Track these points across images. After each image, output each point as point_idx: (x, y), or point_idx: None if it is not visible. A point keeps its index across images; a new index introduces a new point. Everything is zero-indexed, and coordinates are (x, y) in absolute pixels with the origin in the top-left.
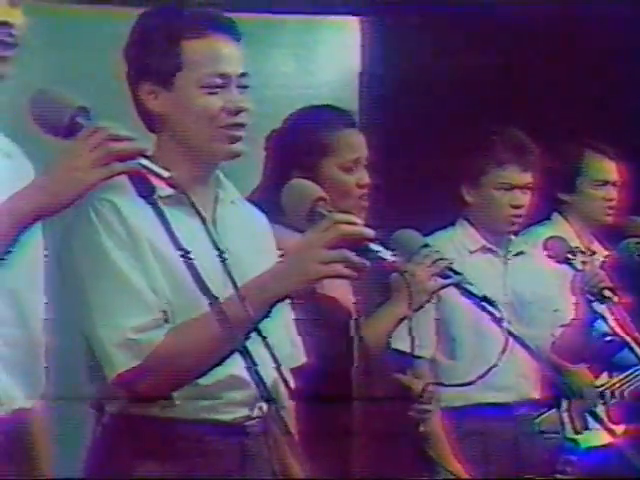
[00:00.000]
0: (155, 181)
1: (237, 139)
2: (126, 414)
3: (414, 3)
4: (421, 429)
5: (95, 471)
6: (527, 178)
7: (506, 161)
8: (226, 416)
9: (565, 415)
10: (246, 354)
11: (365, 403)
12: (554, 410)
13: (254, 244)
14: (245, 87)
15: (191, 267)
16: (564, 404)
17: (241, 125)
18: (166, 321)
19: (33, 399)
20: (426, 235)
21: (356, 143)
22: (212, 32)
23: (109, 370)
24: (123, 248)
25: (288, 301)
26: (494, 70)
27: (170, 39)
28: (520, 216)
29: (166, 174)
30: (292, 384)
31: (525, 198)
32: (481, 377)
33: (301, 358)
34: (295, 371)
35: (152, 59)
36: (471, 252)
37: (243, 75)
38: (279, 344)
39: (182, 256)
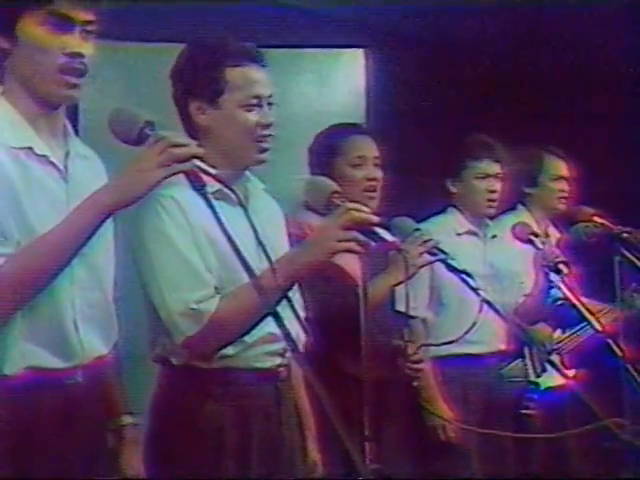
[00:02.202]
0: (205, 178)
1: (265, 149)
2: (189, 366)
3: (407, 38)
4: (414, 384)
5: (164, 413)
6: (497, 168)
7: (480, 156)
8: (265, 364)
9: (528, 363)
10: (277, 316)
11: (372, 355)
12: (519, 360)
13: (275, 226)
14: (272, 104)
15: (235, 248)
16: (526, 354)
17: (269, 136)
18: (218, 293)
19: (109, 347)
20: (421, 221)
21: (361, 145)
22: (247, 62)
23: (178, 335)
24: (185, 236)
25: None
26: (474, 91)
27: (215, 68)
28: (495, 200)
29: (214, 172)
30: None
31: (498, 184)
32: (467, 332)
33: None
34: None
35: (201, 83)
36: (459, 234)
37: (270, 96)
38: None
39: (229, 240)
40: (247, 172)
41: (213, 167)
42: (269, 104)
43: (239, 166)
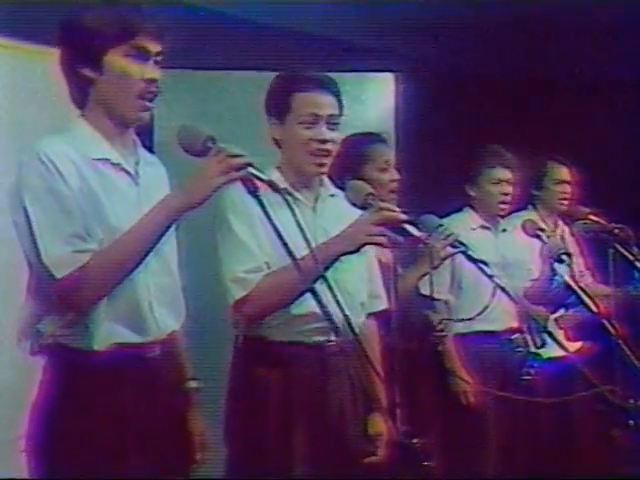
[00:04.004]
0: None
1: (322, 164)
2: (245, 335)
3: (431, 64)
4: (439, 349)
5: (229, 377)
6: (508, 175)
7: (493, 164)
8: (309, 339)
9: (529, 336)
10: (316, 294)
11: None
12: (520, 334)
13: (342, 225)
14: (335, 124)
15: (279, 235)
16: (526, 330)
17: (326, 151)
18: (268, 268)
19: (180, 323)
20: (442, 217)
21: (385, 152)
22: (313, 88)
23: (229, 299)
24: (242, 222)
25: (375, 264)
26: (488, 109)
27: (286, 93)
28: (507, 202)
29: (265, 178)
30: (354, 322)
31: (509, 188)
32: (480, 314)
33: (379, 306)
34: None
35: (274, 105)
36: (473, 229)
37: (331, 116)
38: (356, 294)
39: (274, 229)
40: (324, 179)
41: (261, 171)
42: (329, 123)
43: (304, 174)
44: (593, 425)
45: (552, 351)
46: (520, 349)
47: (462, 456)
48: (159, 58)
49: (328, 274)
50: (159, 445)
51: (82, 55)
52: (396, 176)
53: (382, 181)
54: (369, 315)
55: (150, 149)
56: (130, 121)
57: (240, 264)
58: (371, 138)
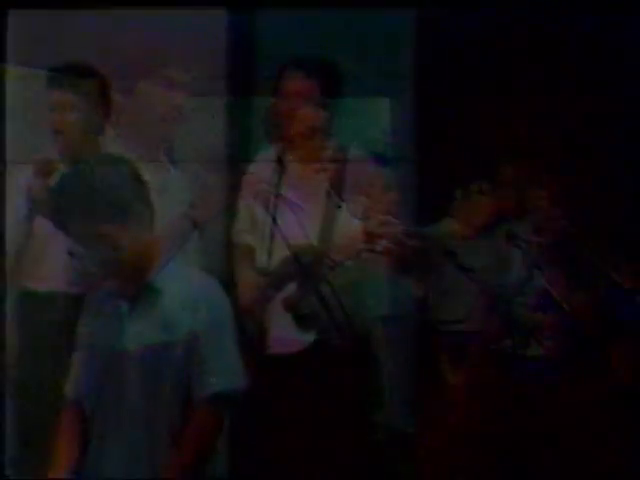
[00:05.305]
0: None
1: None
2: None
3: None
4: (432, 347)
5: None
6: (489, 188)
7: (478, 176)
8: (315, 337)
9: (516, 337)
10: (320, 297)
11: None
12: (506, 334)
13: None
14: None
15: (287, 244)
16: (515, 330)
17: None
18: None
19: (201, 323)
20: (424, 226)
21: (391, 175)
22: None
23: (240, 300)
24: (254, 232)
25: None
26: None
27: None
28: (486, 213)
29: (275, 192)
30: (358, 323)
31: (488, 200)
32: (467, 315)
33: (383, 309)
34: None
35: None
36: (456, 238)
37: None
38: (362, 298)
39: (282, 238)
40: (332, 193)
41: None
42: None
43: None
44: (577, 413)
45: (533, 349)
46: (506, 348)
47: (455, 442)
48: (186, 87)
49: (335, 279)
50: (180, 431)
51: (117, 83)
52: (397, 197)
53: (383, 201)
54: (374, 317)
55: (172, 162)
56: (158, 141)
57: (250, 269)
58: (380, 160)
